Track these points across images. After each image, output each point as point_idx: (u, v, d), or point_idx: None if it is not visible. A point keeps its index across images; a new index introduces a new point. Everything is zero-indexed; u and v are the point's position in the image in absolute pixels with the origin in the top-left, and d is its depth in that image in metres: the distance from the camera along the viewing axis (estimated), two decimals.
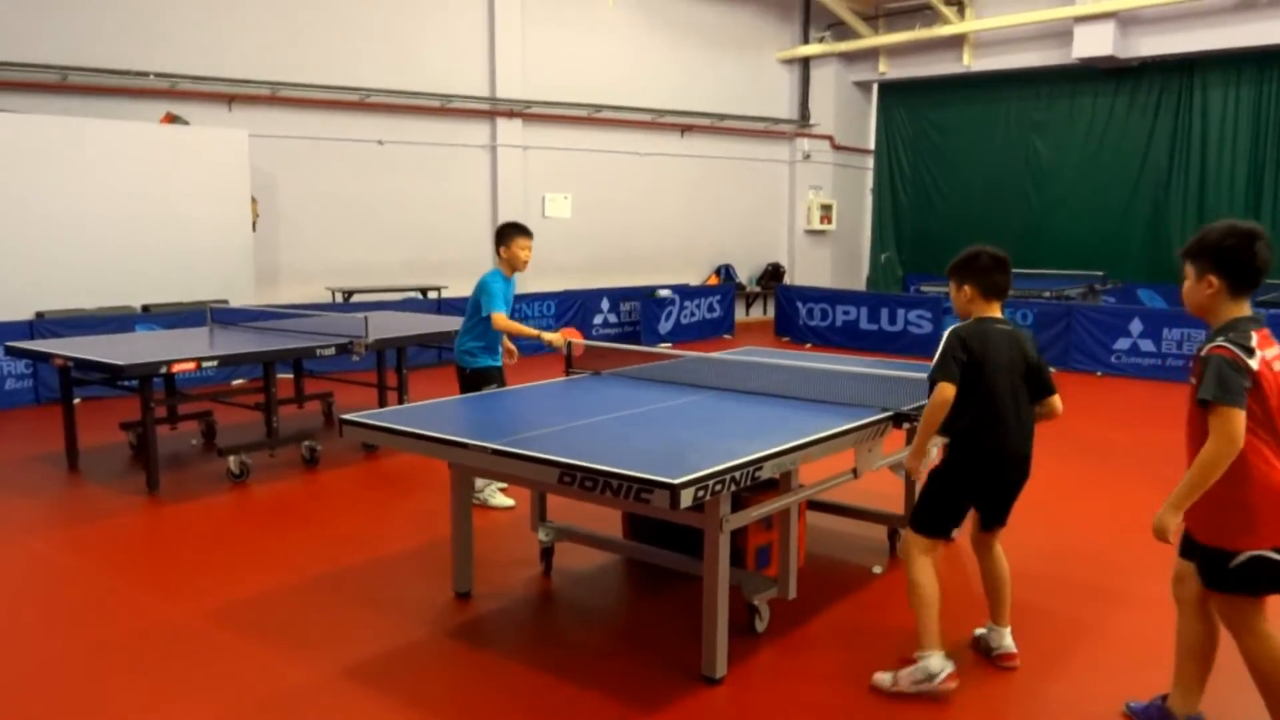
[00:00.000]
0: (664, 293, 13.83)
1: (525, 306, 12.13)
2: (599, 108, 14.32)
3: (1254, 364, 2.79)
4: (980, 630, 3.89)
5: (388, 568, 4.83)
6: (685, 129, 15.61)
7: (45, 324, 8.69)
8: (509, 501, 5.81)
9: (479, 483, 5.65)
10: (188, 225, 9.92)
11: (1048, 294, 12.28)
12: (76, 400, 7.06)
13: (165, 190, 9.78)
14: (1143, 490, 6.03)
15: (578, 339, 5.50)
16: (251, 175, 10.54)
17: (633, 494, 3.13)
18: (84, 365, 6.07)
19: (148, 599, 4.43)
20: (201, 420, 7.60)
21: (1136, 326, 10.75)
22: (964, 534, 3.91)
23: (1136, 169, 15.01)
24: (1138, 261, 15.06)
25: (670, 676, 3.67)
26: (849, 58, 17.07)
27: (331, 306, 10.63)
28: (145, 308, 9.57)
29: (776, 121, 16.89)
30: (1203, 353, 2.88)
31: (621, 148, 14.83)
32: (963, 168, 16.92)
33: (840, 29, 16.59)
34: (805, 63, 17.11)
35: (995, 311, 3.60)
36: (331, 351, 6.75)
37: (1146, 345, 10.68)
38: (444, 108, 12.82)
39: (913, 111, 17.51)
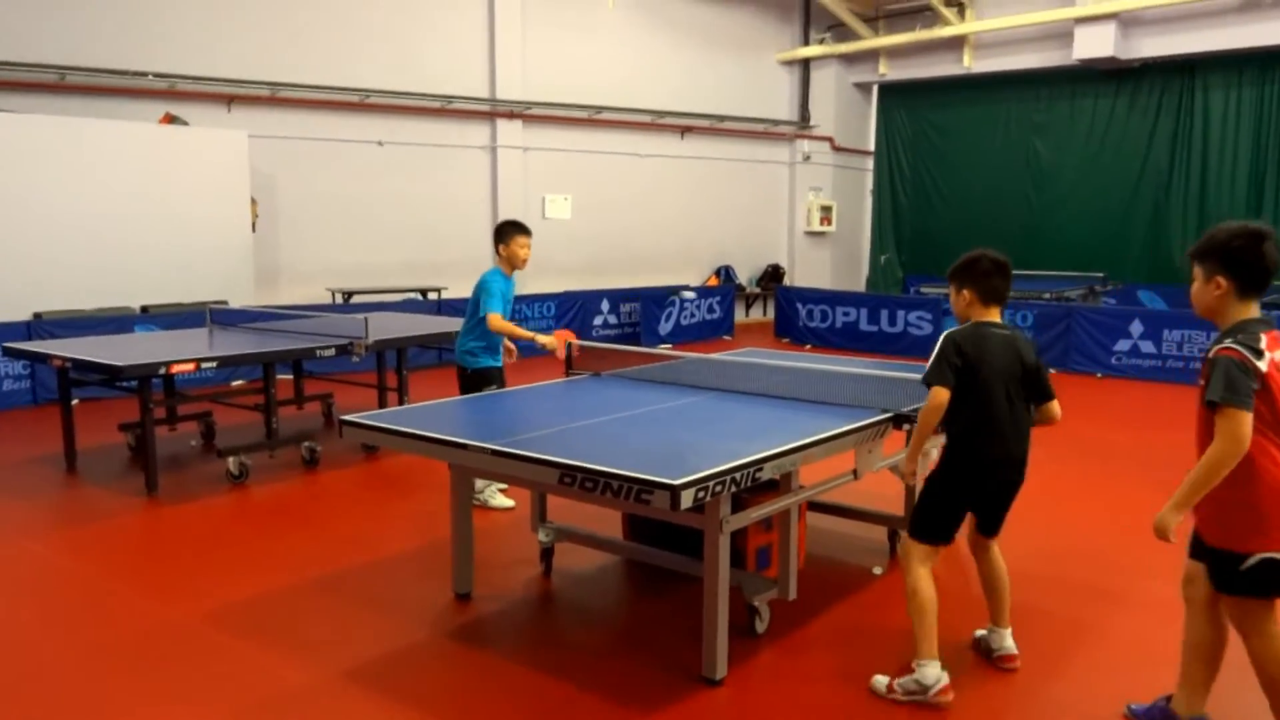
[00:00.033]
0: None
1: (525, 307, 12.14)
2: (599, 109, 14.33)
3: (1262, 366, 2.78)
4: (981, 631, 3.89)
5: (388, 569, 4.82)
6: (685, 130, 15.62)
7: (43, 325, 8.69)
8: (509, 502, 5.80)
9: (479, 483, 5.64)
10: (187, 226, 9.92)
11: (1048, 295, 12.28)
12: (75, 401, 7.05)
13: (164, 191, 9.78)
14: (1143, 491, 6.03)
15: (572, 340, 5.49)
16: (251, 176, 10.54)
17: (633, 495, 3.13)
18: (82, 366, 6.05)
19: (147, 600, 4.43)
20: (201, 421, 7.59)
21: (1137, 328, 10.75)
22: (962, 535, 3.91)
23: (1137, 170, 15.02)
24: (1138, 263, 15.07)
25: (670, 677, 3.67)
26: (849, 59, 17.08)
27: (331, 307, 10.62)
28: (144, 308, 9.57)
29: (776, 123, 16.90)
30: (1211, 354, 2.87)
31: (622, 149, 14.84)
32: (963, 169, 16.93)
33: (840, 30, 16.60)
34: (805, 64, 17.13)
35: (994, 316, 3.58)
36: (331, 352, 6.74)
37: (1147, 347, 10.68)
38: (444, 108, 12.83)
39: (913, 113, 17.52)
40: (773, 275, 16.97)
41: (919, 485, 3.70)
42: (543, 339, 5.66)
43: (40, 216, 9.04)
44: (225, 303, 9.80)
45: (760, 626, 4.04)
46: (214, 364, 6.25)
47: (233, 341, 6.97)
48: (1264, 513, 2.82)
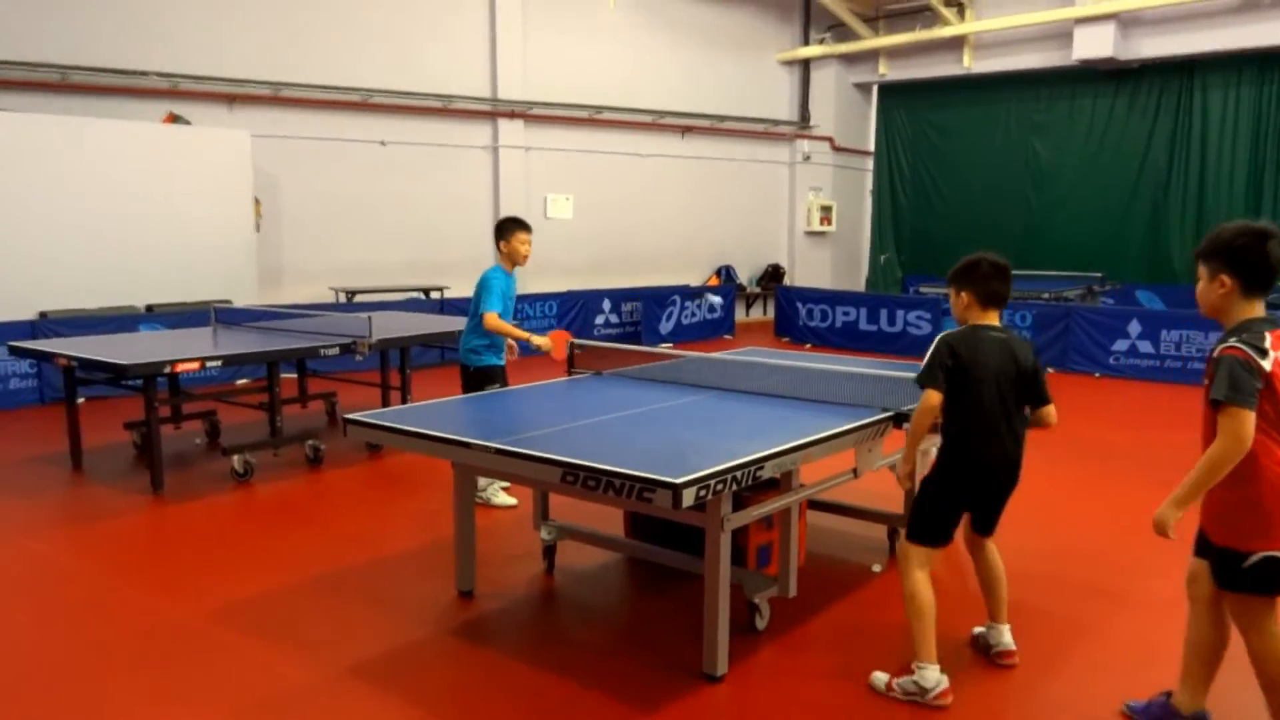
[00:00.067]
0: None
1: (528, 306, 12.17)
2: (600, 109, 14.36)
3: (1267, 365, 2.80)
4: (979, 629, 3.92)
5: (391, 567, 4.85)
6: (686, 130, 15.65)
7: (49, 324, 8.72)
8: (511, 500, 5.84)
9: (482, 482, 5.66)
10: (191, 225, 9.96)
11: (1046, 295, 12.31)
12: (80, 400, 7.11)
13: (168, 190, 9.82)
14: (1141, 491, 6.02)
15: (567, 340, 5.52)
16: (254, 175, 10.57)
17: (635, 493, 3.15)
18: (88, 365, 6.09)
19: (151, 598, 4.46)
20: (205, 420, 7.63)
21: (1135, 328, 10.79)
22: (958, 533, 3.94)
23: (1136, 170, 15.05)
24: (1136, 263, 15.10)
25: (672, 674, 3.69)
26: (849, 59, 17.10)
27: (334, 307, 10.66)
28: (149, 308, 9.60)
29: (777, 123, 16.93)
30: (1215, 353, 2.88)
31: (623, 149, 14.87)
32: (962, 169, 16.96)
33: (840, 30, 16.63)
34: (805, 64, 17.15)
35: (992, 319, 3.59)
36: (335, 351, 6.77)
37: (1145, 346, 10.71)
38: (446, 108, 12.86)
39: (913, 113, 17.55)
40: (773, 275, 17.01)
41: (916, 486, 3.73)
42: (537, 339, 5.68)
43: (44, 216, 9.07)
44: (229, 302, 9.83)
45: (761, 624, 4.07)
46: (218, 363, 6.29)
47: (237, 341, 7.00)
48: (1268, 512, 2.84)
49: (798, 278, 17.10)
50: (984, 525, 3.75)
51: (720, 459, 3.35)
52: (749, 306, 17.02)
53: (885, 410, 4.18)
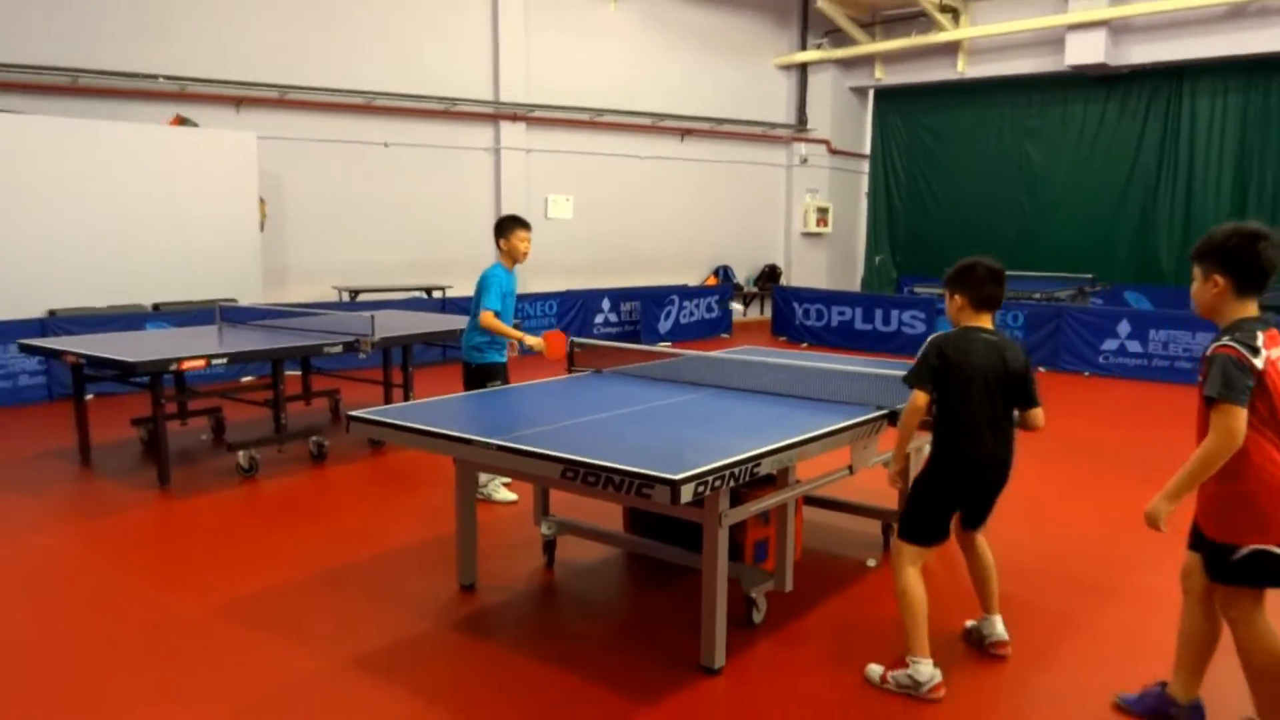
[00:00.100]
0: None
1: (528, 306, 12.24)
2: (600, 111, 14.43)
3: (1259, 363, 2.84)
4: (972, 622, 3.98)
5: (393, 561, 4.89)
6: (685, 133, 15.73)
7: (57, 322, 8.78)
8: (512, 496, 5.88)
9: (483, 478, 5.70)
10: (197, 226, 10.02)
11: (1038, 296, 12.40)
12: (89, 397, 7.17)
13: (175, 191, 9.89)
14: (1130, 488, 6.10)
15: (561, 341, 5.59)
16: (259, 176, 10.63)
17: (634, 489, 3.19)
18: (96, 362, 6.14)
19: (157, 592, 4.48)
20: (211, 416, 7.69)
21: (1124, 328, 10.90)
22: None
23: (1126, 175, 15.19)
24: (1125, 264, 15.24)
25: (670, 667, 3.74)
26: (846, 64, 17.19)
27: (338, 305, 10.73)
28: (155, 306, 9.67)
29: (774, 126, 17.01)
30: (1209, 352, 2.94)
31: (622, 151, 14.95)
32: (956, 173, 17.07)
33: (837, 35, 16.71)
34: (803, 68, 17.24)
35: (985, 322, 3.64)
36: (338, 349, 6.83)
37: (1134, 346, 10.83)
38: (448, 111, 12.93)
39: (908, 117, 17.65)
40: (770, 275, 17.10)
41: (907, 485, 3.79)
42: (530, 340, 5.73)
43: (54, 216, 9.13)
44: (234, 301, 9.88)
45: (757, 618, 4.11)
46: (224, 360, 6.35)
47: (242, 339, 7.05)
48: (1261, 508, 2.89)
49: (794, 278, 17.19)
50: (973, 520, 3.82)
51: (718, 456, 3.38)
52: (746, 306, 17.12)
53: (880, 408, 4.21)
